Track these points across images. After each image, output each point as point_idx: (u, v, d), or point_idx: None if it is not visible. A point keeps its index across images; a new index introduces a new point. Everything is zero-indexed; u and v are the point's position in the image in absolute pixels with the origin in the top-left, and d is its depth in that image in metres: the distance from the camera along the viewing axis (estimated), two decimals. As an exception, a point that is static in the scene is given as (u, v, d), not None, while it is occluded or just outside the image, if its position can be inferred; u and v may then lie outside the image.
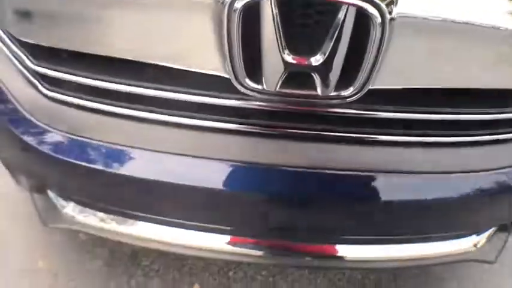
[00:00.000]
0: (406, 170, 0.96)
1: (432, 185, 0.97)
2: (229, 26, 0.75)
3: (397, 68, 0.82)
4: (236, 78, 0.82)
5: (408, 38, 0.79)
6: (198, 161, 0.92)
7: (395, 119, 0.90)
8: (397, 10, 0.73)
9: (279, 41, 0.75)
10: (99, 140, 0.97)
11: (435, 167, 0.97)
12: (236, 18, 0.74)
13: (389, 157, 0.95)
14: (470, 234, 1.22)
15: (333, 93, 0.82)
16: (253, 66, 0.80)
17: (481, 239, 1.23)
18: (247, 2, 0.72)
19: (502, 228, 1.23)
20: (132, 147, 0.95)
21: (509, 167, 1.01)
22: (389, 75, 0.82)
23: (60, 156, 0.98)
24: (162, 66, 0.86)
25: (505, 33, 0.83)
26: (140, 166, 0.96)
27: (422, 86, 0.87)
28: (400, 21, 0.75)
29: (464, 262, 1.60)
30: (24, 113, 1.03)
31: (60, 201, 1.22)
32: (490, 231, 1.23)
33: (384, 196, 0.94)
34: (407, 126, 0.92)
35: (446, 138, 0.96)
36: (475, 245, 1.22)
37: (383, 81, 0.82)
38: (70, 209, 1.21)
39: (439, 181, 0.97)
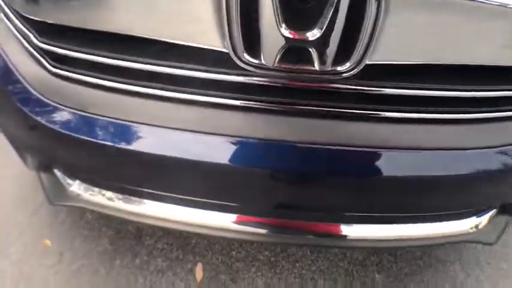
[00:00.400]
0: (405, 146, 0.96)
1: (431, 161, 0.97)
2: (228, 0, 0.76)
3: (394, 43, 0.83)
4: (235, 52, 0.83)
5: (405, 13, 0.79)
6: (200, 136, 0.93)
7: (394, 95, 0.90)
8: None
9: (276, 16, 0.75)
10: (104, 116, 0.98)
11: (435, 143, 0.97)
12: None
13: (389, 133, 0.95)
14: (470, 215, 1.23)
15: (330, 68, 0.83)
16: (252, 41, 0.81)
17: (482, 220, 1.24)
18: None
19: (504, 211, 1.24)
20: (135, 122, 0.96)
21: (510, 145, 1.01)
22: (387, 50, 0.83)
23: (67, 132, 1.00)
24: (165, 42, 0.87)
25: (503, 9, 0.82)
26: (144, 141, 0.97)
27: (420, 62, 0.87)
28: None
29: (464, 243, 1.62)
30: (31, 89, 1.04)
31: (66, 180, 1.25)
32: (491, 213, 1.24)
33: (384, 172, 0.95)
34: (406, 102, 0.92)
35: (446, 115, 0.95)
36: (476, 226, 1.24)
37: (380, 56, 0.82)
38: (76, 187, 1.24)
39: (438, 158, 0.97)
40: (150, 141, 0.96)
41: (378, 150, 0.94)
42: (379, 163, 0.94)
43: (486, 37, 0.87)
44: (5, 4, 1.07)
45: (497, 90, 0.95)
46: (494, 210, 1.24)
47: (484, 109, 0.97)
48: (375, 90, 0.89)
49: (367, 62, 0.82)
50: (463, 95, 0.93)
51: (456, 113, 0.96)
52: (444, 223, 1.22)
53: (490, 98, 0.96)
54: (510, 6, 0.81)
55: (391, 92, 0.89)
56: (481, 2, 0.80)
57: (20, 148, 1.30)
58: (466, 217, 1.23)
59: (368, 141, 0.93)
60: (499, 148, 1.00)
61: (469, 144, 0.98)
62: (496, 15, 0.84)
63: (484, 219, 1.24)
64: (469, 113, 0.97)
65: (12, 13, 1.05)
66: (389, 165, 0.95)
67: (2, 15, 1.10)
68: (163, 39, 0.87)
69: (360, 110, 0.91)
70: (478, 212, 1.24)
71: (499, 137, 1.01)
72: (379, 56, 0.82)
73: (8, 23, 1.08)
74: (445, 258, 1.68)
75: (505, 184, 1.11)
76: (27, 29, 1.02)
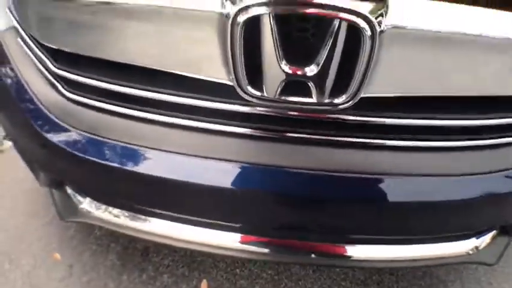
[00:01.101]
0: (405, 173, 0.99)
1: (430, 187, 1.00)
2: (232, 37, 0.81)
3: (388, 77, 0.87)
4: (239, 85, 0.87)
5: (397, 48, 0.83)
6: (206, 161, 0.97)
7: (391, 124, 0.94)
8: (386, 22, 0.79)
9: (277, 52, 0.81)
10: (115, 140, 1.03)
11: (433, 170, 1.00)
12: (239, 31, 0.80)
13: (390, 160, 0.98)
14: (471, 236, 1.25)
15: (328, 101, 0.87)
16: (255, 75, 0.86)
17: (482, 241, 1.25)
18: (249, 17, 0.78)
19: (504, 232, 1.26)
20: (145, 147, 1.01)
21: (507, 170, 1.04)
22: (381, 84, 0.87)
23: (78, 154, 1.05)
24: (174, 73, 0.93)
25: (493, 41, 0.87)
26: (152, 165, 1.01)
27: (414, 94, 0.92)
28: (390, 33, 0.80)
29: (465, 264, 1.64)
30: (46, 112, 1.10)
31: (77, 197, 1.29)
32: (492, 234, 1.26)
33: (383, 198, 0.98)
34: (403, 131, 0.96)
35: (445, 142, 0.99)
36: (476, 248, 1.25)
37: (375, 89, 0.87)
38: (86, 204, 1.29)
39: (436, 184, 1.00)
40: (159, 165, 1.01)
41: (377, 176, 0.97)
42: (378, 189, 0.98)
43: (477, 68, 0.91)
44: (22, 29, 1.13)
45: (490, 119, 0.99)
46: (494, 232, 1.26)
47: (483, 136, 1.01)
48: (371, 121, 0.93)
49: (363, 95, 0.87)
50: (460, 124, 0.97)
51: (455, 140, 1.00)
52: (445, 244, 1.24)
53: (487, 126, 1.00)
54: (490, 36, 0.85)
55: (390, 121, 0.94)
56: (467, 34, 0.84)
57: (32, 165, 1.35)
58: (467, 238, 1.25)
59: (368, 168, 0.97)
60: (499, 173, 1.03)
61: (471, 169, 1.02)
62: (484, 47, 0.88)
63: (484, 241, 1.26)
64: (468, 140, 1.01)
65: (31, 39, 1.11)
66: (388, 191, 0.98)
67: (19, 39, 1.16)
68: (174, 71, 0.93)
69: (358, 138, 0.95)
70: (479, 233, 1.25)
71: (499, 162, 1.04)
72: (374, 89, 0.87)
73: (25, 47, 1.13)
74: (445, 278, 1.69)
75: (506, 207, 1.14)
76: (44, 55, 1.08)
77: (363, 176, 0.97)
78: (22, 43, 1.15)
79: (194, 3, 0.83)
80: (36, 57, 1.11)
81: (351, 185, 0.98)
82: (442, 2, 0.83)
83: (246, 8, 0.78)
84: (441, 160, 1.01)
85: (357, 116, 0.92)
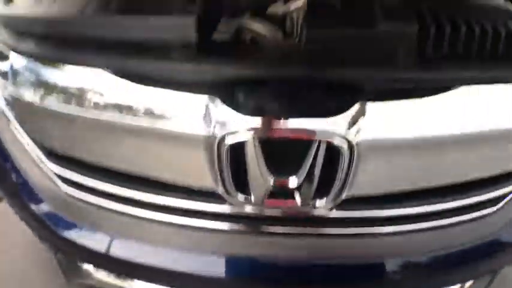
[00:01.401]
0: (396, 254, 1.09)
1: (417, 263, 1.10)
2: (219, 157, 0.87)
3: (368, 181, 0.93)
4: (227, 194, 0.94)
5: (374, 157, 0.90)
6: (199, 255, 1.06)
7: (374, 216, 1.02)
8: (360, 137, 0.85)
9: (261, 168, 0.87)
10: (109, 232, 1.11)
11: (417, 249, 1.09)
12: (225, 151, 0.86)
13: (379, 245, 1.06)
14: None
15: (310, 205, 0.94)
16: (242, 186, 0.92)
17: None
18: (235, 142, 0.85)
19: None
20: (141, 241, 1.09)
21: (487, 236, 1.13)
22: (361, 187, 0.93)
23: (75, 241, 1.13)
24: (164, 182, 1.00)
25: (465, 137, 0.93)
26: (144, 256, 1.09)
27: (394, 191, 0.98)
28: (365, 144, 0.86)
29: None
30: (47, 202, 1.17)
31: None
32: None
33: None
34: (386, 220, 1.03)
35: (422, 223, 1.05)
36: (461, 286, 1.31)
37: (355, 191, 0.93)
38: (90, 266, 1.33)
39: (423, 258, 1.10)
40: (151, 257, 1.09)
41: (370, 260, 1.07)
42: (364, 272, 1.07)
43: (447, 163, 0.98)
44: (20, 125, 1.16)
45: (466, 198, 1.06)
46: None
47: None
48: (355, 215, 1.00)
49: (343, 197, 0.93)
50: (438, 208, 1.04)
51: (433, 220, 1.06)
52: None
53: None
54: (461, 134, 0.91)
55: (372, 214, 1.01)
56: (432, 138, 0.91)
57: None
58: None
59: (358, 255, 1.06)
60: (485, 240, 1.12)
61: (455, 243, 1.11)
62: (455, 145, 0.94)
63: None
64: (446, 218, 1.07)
65: (31, 139, 1.14)
66: (373, 273, 1.07)
67: (16, 134, 1.19)
68: (164, 180, 0.99)
69: (340, 230, 1.02)
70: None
71: (477, 233, 1.12)
72: (354, 192, 0.93)
73: (26, 146, 1.17)
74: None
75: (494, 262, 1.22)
76: (42, 152, 1.12)
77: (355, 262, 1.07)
78: (16, 133, 1.19)
79: (178, 126, 0.89)
80: (35, 154, 1.15)
81: (347, 270, 1.08)
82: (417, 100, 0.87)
83: (232, 133, 0.84)
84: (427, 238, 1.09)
85: (339, 213, 0.98)
